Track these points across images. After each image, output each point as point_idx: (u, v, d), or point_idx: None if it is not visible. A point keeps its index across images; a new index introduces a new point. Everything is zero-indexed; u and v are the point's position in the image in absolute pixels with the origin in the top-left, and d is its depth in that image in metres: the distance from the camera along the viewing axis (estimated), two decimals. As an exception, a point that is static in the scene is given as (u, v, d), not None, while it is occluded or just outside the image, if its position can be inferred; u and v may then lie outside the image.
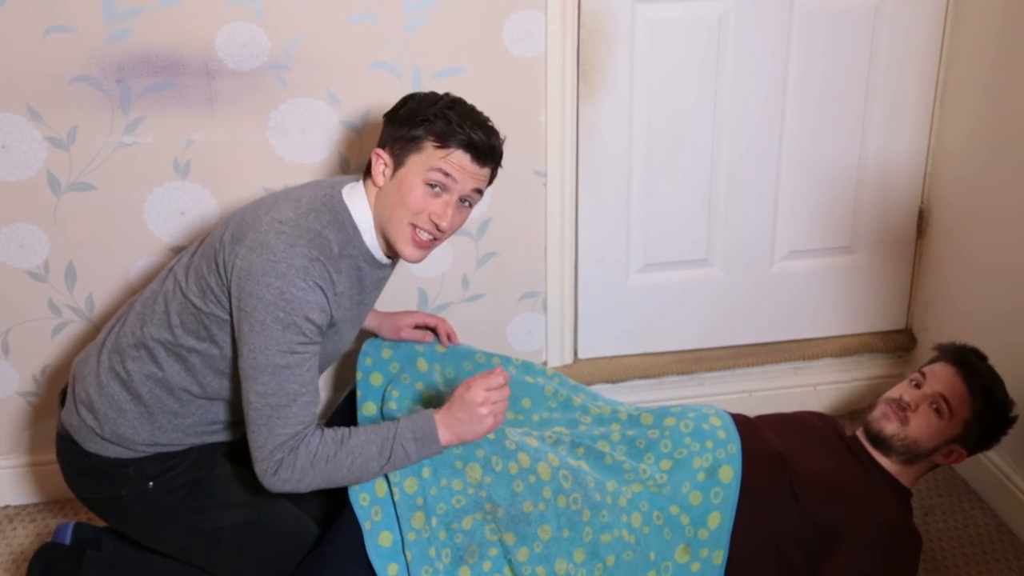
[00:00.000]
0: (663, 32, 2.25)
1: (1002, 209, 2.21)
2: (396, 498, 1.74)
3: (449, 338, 2.10)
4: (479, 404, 1.70)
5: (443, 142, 1.70)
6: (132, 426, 1.77)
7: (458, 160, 1.71)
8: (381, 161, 1.75)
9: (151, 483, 1.80)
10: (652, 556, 1.86)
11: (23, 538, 2.24)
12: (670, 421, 2.00)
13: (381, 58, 2.11)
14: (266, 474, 1.67)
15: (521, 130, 2.23)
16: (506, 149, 2.22)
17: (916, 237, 2.55)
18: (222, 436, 1.86)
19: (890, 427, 1.95)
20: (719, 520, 1.88)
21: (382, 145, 1.76)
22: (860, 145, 2.43)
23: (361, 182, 1.79)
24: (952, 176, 2.41)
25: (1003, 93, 2.18)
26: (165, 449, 1.80)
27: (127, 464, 1.79)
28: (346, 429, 1.71)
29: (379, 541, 1.74)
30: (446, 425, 1.72)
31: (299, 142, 2.14)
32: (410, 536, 1.73)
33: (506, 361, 2.12)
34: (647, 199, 2.39)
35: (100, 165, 2.09)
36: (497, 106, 2.18)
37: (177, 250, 2.18)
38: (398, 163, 1.73)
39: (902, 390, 1.98)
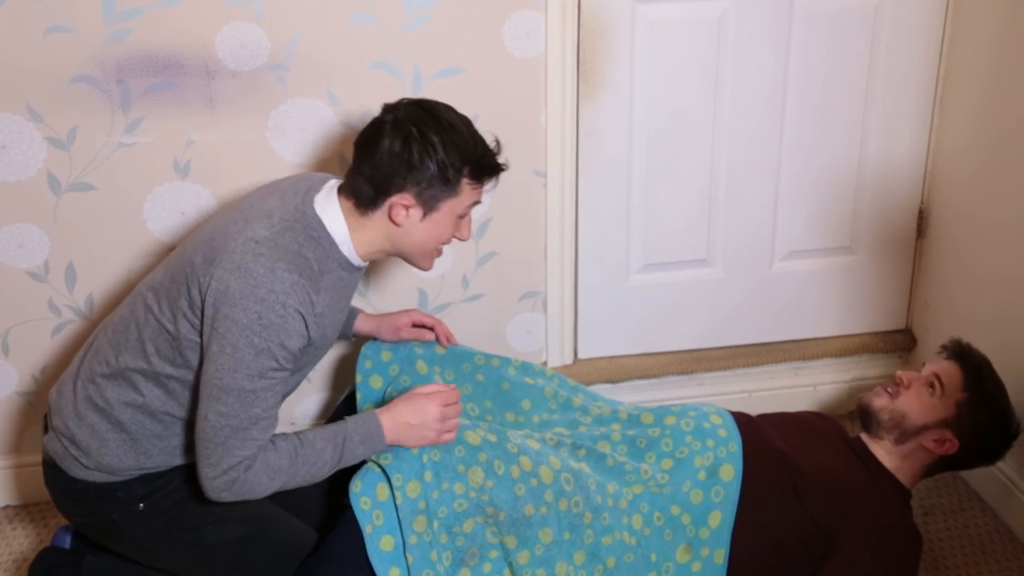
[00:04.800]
0: (663, 32, 2.25)
1: (1002, 209, 2.21)
2: (399, 502, 1.73)
3: (447, 339, 2.10)
4: (435, 419, 1.74)
5: (479, 180, 1.75)
6: (116, 454, 1.74)
7: (485, 186, 1.77)
8: (403, 208, 1.70)
9: (141, 504, 1.77)
10: (653, 557, 1.86)
11: (23, 538, 2.24)
12: (671, 420, 2.00)
13: (381, 58, 2.11)
14: (219, 490, 1.65)
15: (521, 130, 2.23)
16: (506, 149, 2.23)
17: (916, 237, 2.55)
18: None
19: (879, 401, 1.98)
20: (720, 519, 1.88)
21: (398, 190, 1.69)
22: (860, 145, 2.43)
23: (335, 194, 1.74)
24: (952, 176, 2.41)
25: (1003, 93, 2.18)
26: (152, 470, 1.78)
27: (115, 487, 1.76)
28: (296, 437, 1.71)
29: (381, 545, 1.73)
30: (391, 428, 1.75)
31: (299, 142, 2.14)
32: (412, 540, 1.73)
33: (505, 362, 2.11)
34: (647, 199, 2.39)
35: (100, 165, 2.09)
36: (497, 106, 2.19)
37: (177, 250, 2.18)
38: (429, 208, 1.72)
39: (902, 372, 2.02)
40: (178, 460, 1.79)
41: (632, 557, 1.84)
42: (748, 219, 2.45)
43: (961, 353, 2.00)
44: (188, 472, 1.80)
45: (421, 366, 2.04)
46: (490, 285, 2.37)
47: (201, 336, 1.66)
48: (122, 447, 1.74)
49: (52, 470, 1.81)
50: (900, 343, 2.62)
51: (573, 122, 2.26)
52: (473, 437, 1.80)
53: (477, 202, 1.78)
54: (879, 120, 2.41)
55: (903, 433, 1.95)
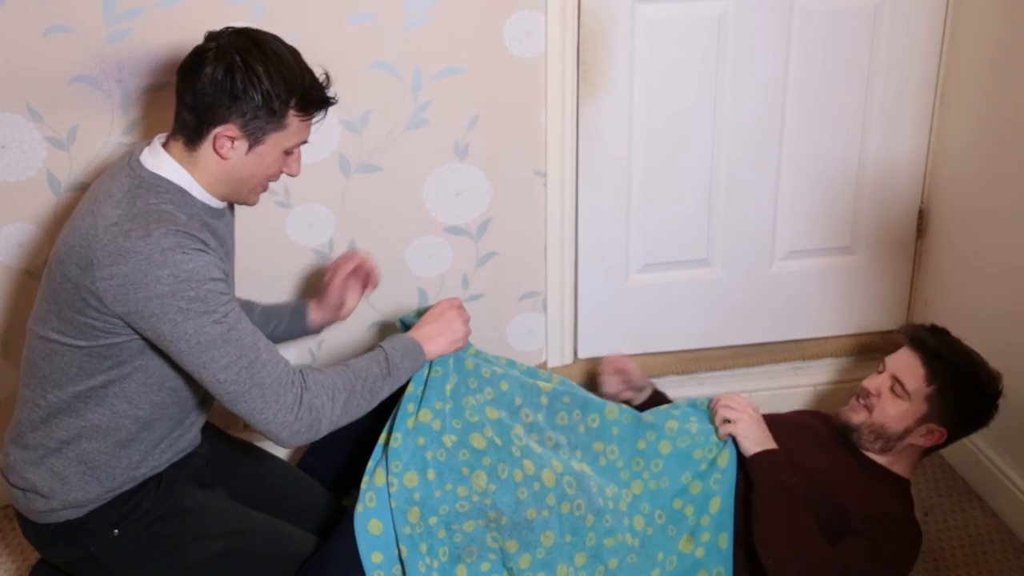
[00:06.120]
0: (663, 32, 2.25)
1: (1002, 208, 2.21)
2: (393, 489, 1.72)
3: (374, 276, 2.10)
4: (456, 317, 1.88)
5: (307, 112, 1.69)
6: (80, 487, 1.70)
7: (313, 120, 1.72)
8: (228, 140, 1.64)
9: (116, 530, 1.73)
10: (660, 556, 1.86)
11: (23, 539, 2.23)
12: (672, 425, 2.00)
13: (381, 58, 2.11)
14: (290, 424, 1.62)
15: (521, 130, 2.23)
16: (506, 149, 2.24)
17: (916, 237, 2.55)
18: (170, 455, 1.79)
19: (856, 417, 1.99)
20: (720, 504, 1.87)
21: (221, 120, 1.62)
22: (860, 145, 2.43)
23: (160, 147, 1.69)
24: (952, 176, 2.41)
25: (1003, 93, 2.18)
26: (119, 491, 1.73)
27: (86, 519, 1.72)
28: (338, 364, 1.73)
29: (368, 527, 1.73)
30: (423, 338, 1.84)
31: (299, 142, 2.14)
32: (405, 530, 1.73)
33: (511, 365, 2.09)
34: (647, 199, 2.39)
35: (100, 165, 2.09)
36: (497, 106, 2.19)
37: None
38: (255, 141, 1.65)
39: (868, 379, 2.01)
40: (143, 473, 1.75)
41: (635, 558, 1.84)
42: (748, 219, 2.45)
43: (916, 341, 1.97)
44: (158, 490, 1.76)
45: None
46: (490, 285, 2.37)
47: (138, 333, 1.61)
48: (83, 478, 1.70)
49: (25, 521, 1.77)
50: (900, 343, 2.61)
51: (573, 122, 2.26)
52: (478, 440, 1.80)
53: (304, 140, 1.72)
54: (879, 120, 2.41)
55: (888, 441, 1.95)
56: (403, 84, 2.13)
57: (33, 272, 2.15)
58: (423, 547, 1.73)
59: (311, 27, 2.05)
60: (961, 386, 1.92)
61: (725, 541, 1.87)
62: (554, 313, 2.43)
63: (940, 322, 2.47)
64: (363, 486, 1.75)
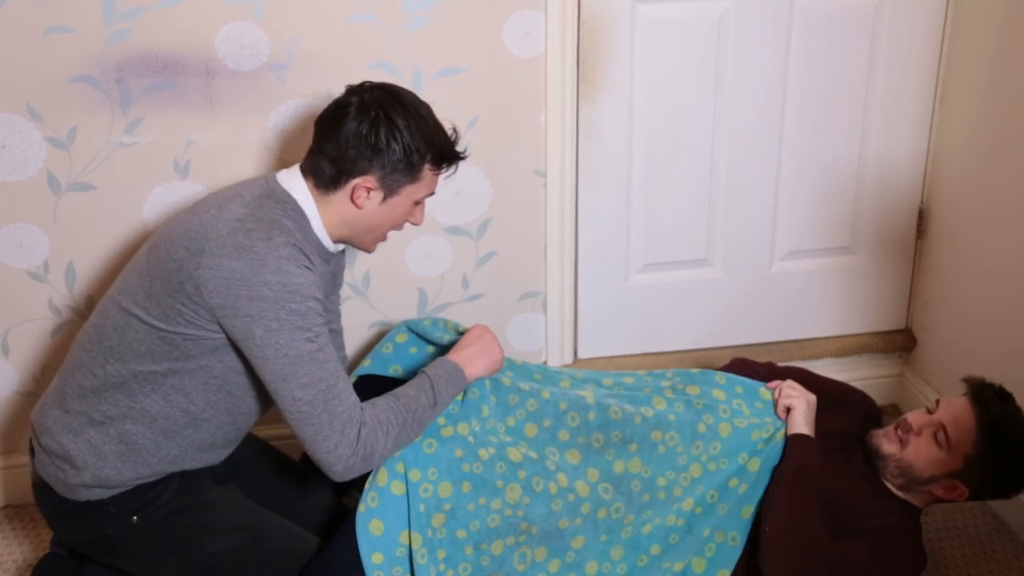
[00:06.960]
0: (663, 32, 2.25)
1: (1002, 208, 2.21)
2: (426, 495, 1.73)
3: None
4: (494, 342, 1.89)
5: (439, 167, 1.77)
6: (114, 466, 1.70)
7: (442, 174, 1.79)
8: (365, 190, 1.72)
9: (135, 517, 1.74)
10: (706, 532, 1.85)
11: (24, 540, 2.24)
12: (719, 394, 1.99)
13: (381, 58, 2.11)
14: (347, 458, 1.64)
15: (521, 130, 2.23)
16: (506, 149, 2.24)
17: (916, 237, 2.55)
18: (205, 460, 1.80)
19: (887, 447, 1.92)
20: (757, 474, 1.88)
21: (361, 172, 1.70)
22: (860, 145, 2.43)
23: (296, 170, 1.75)
24: (952, 176, 2.41)
25: (1003, 93, 2.18)
26: (147, 480, 1.74)
27: (108, 503, 1.73)
28: (388, 394, 1.73)
29: (369, 528, 1.73)
30: (464, 362, 1.83)
31: (299, 142, 2.14)
32: (428, 533, 1.73)
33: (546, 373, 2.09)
34: (647, 199, 2.39)
35: (100, 165, 2.09)
36: (497, 106, 2.19)
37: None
38: (390, 192, 1.73)
39: (913, 414, 1.93)
40: (174, 468, 1.76)
41: (676, 538, 1.84)
42: (748, 219, 2.45)
43: (981, 400, 1.86)
44: (180, 482, 1.78)
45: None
46: (490, 285, 2.37)
47: (224, 330, 1.64)
48: (120, 458, 1.71)
49: (43, 492, 1.77)
50: (900, 343, 2.62)
51: (573, 122, 2.27)
52: (515, 454, 1.80)
53: (432, 192, 1.80)
54: (879, 120, 2.41)
55: (909, 481, 1.90)
56: (403, 84, 2.12)
57: (33, 272, 2.15)
58: (440, 553, 1.73)
59: (311, 27, 2.06)
60: (1006, 460, 1.84)
61: (749, 512, 1.86)
62: (554, 313, 2.43)
63: (940, 322, 2.48)
64: (366, 486, 1.75)
